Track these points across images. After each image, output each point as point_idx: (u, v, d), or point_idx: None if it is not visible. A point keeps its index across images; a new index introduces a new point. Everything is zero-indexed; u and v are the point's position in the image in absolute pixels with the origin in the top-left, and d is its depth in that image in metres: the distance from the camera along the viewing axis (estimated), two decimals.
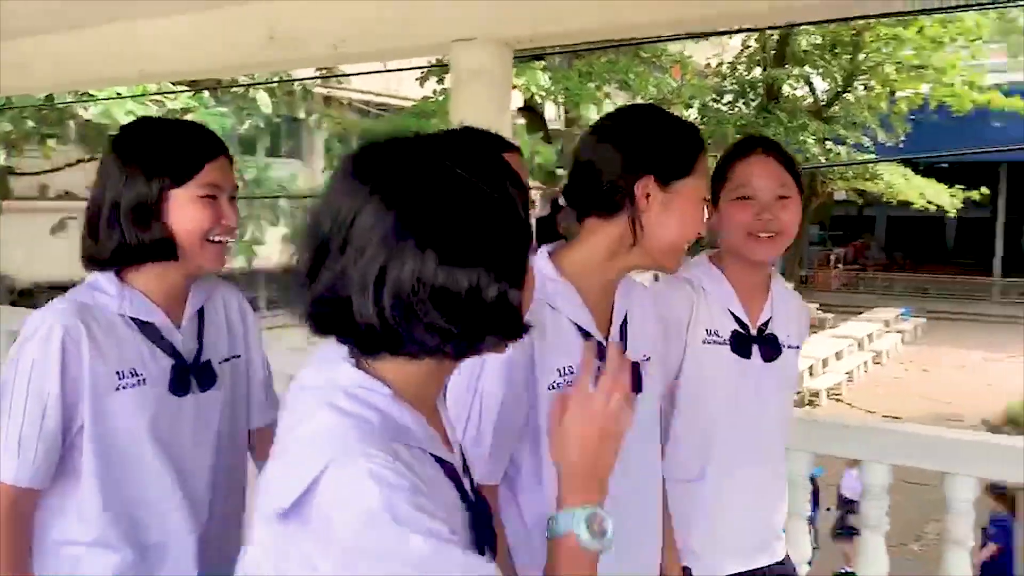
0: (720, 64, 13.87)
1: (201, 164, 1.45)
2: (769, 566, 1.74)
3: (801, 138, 12.36)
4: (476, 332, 0.90)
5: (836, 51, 13.30)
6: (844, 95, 13.72)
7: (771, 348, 1.72)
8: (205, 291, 1.56)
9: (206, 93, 8.58)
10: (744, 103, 13.48)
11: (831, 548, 6.31)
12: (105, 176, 1.45)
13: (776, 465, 1.78)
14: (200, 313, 1.55)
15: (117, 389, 1.41)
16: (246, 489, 1.60)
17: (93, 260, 1.46)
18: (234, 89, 8.71)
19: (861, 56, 13.15)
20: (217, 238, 1.47)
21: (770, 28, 10.24)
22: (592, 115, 10.68)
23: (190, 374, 1.50)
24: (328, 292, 0.88)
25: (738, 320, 1.71)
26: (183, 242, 1.44)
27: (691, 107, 12.02)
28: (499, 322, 0.91)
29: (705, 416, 1.68)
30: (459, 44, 2.13)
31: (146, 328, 1.46)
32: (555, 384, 1.31)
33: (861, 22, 11.08)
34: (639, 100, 11.44)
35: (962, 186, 15.77)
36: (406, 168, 0.90)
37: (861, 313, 17.54)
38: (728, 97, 13.57)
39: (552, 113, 12.73)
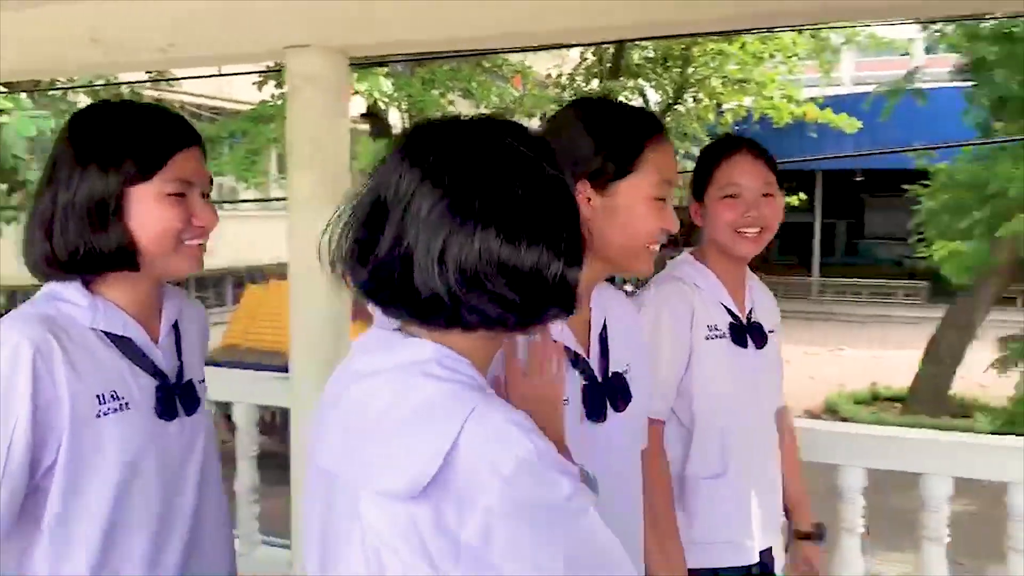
0: (560, 75, 14.22)
1: (169, 155, 1.24)
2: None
3: None
4: (538, 306, 0.91)
5: (668, 64, 13.93)
6: (675, 107, 14.39)
7: (760, 335, 1.81)
8: (178, 302, 1.38)
9: (23, 95, 8.00)
10: None
11: None
12: (56, 169, 1.23)
13: (776, 447, 1.86)
14: (175, 327, 1.36)
15: (98, 416, 1.19)
16: (229, 527, 1.46)
17: (47, 267, 1.23)
18: (52, 92, 8.16)
19: (690, 70, 13.84)
20: (190, 241, 1.28)
21: (603, 43, 10.60)
22: None
23: (176, 396, 1.30)
24: (388, 261, 0.89)
25: (731, 312, 1.77)
26: (148, 247, 1.23)
27: (533, 116, 12.25)
28: (559, 297, 0.92)
29: (721, 411, 1.72)
30: (292, 51, 2.10)
31: (123, 344, 1.26)
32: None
33: (689, 39, 11.68)
34: (483, 109, 11.56)
35: (783, 192, 16.82)
36: (466, 145, 0.91)
37: None
38: None
39: (397, 119, 12.66)
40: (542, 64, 13.88)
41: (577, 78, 14.24)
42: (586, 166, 1.30)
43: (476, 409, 0.85)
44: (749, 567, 1.74)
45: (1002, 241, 9.45)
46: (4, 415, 1.12)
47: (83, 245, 1.21)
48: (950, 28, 9.54)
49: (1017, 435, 2.51)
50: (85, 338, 1.22)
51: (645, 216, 1.31)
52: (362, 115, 11.75)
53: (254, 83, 10.98)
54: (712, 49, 13.26)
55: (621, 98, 14.19)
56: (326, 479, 0.96)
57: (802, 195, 17.87)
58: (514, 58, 12.50)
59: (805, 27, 10.63)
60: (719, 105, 14.45)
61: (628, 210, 1.31)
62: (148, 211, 1.23)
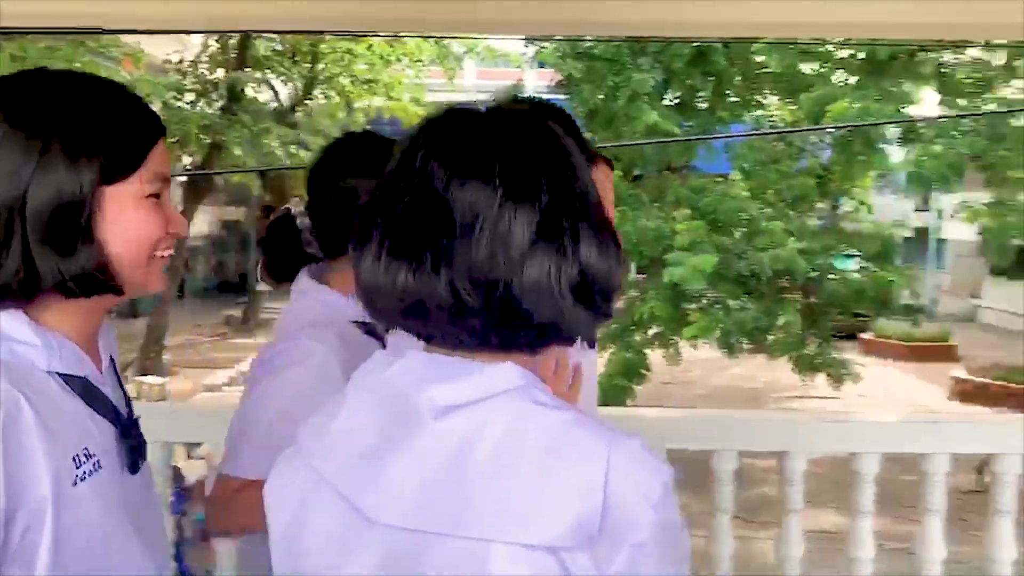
0: (181, 61, 13.41)
1: (150, 144, 1.01)
2: None
3: (265, 141, 12.57)
4: (608, 315, 0.86)
5: (296, 59, 13.79)
6: (307, 102, 14.28)
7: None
8: (105, 328, 1.11)
9: None
10: (207, 103, 13.23)
11: None
12: None
13: None
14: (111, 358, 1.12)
15: (75, 483, 0.95)
16: None
17: None
18: None
19: (320, 66, 13.83)
20: (162, 252, 1.05)
21: (229, 31, 10.21)
22: None
23: (137, 441, 1.08)
24: (482, 285, 0.78)
25: None
26: (124, 261, 1.00)
27: (149, 103, 11.44)
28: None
29: None
30: None
31: (80, 387, 1.01)
32: None
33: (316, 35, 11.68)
34: None
35: None
36: (530, 147, 0.82)
37: None
38: (191, 96, 13.21)
39: None
40: (161, 49, 12.97)
41: (200, 66, 13.53)
42: None
43: (612, 436, 0.80)
44: None
45: None
46: None
47: (45, 265, 0.94)
48: (551, 45, 10.60)
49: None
50: (46, 386, 0.97)
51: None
52: None
53: None
54: (341, 48, 13.36)
55: (248, 89, 13.79)
56: (389, 538, 0.81)
57: None
58: (129, 40, 11.54)
59: (432, 35, 11.18)
60: (349, 103, 14.62)
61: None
62: (125, 217, 0.99)
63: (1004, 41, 9.78)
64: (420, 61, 14.21)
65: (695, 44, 10.18)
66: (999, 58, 10.83)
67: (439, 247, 0.79)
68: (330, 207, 1.56)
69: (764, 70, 11.04)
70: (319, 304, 1.57)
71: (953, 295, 25.28)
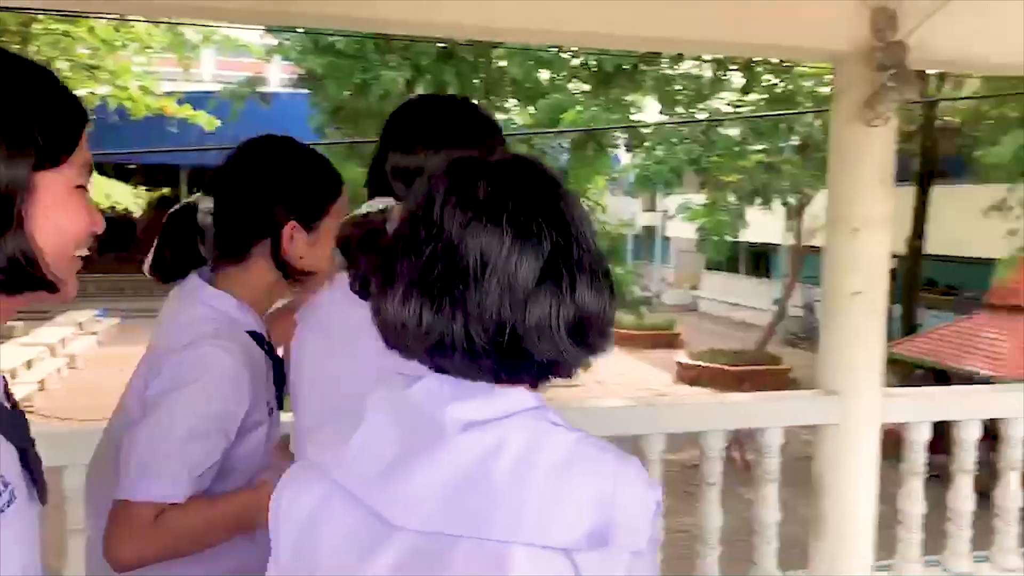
0: None
1: (80, 130, 0.92)
2: None
3: None
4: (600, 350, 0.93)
5: (3, 39, 12.38)
6: None
7: None
8: None
9: None
10: None
11: None
12: None
13: None
14: None
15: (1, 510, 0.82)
16: None
17: None
18: None
19: (32, 48, 12.51)
20: (81, 252, 0.95)
21: None
22: None
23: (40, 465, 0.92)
24: (486, 325, 0.85)
25: None
26: (48, 257, 0.89)
27: None
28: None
29: None
30: None
31: None
32: None
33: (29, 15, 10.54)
34: None
35: (147, 187, 16.42)
36: (538, 193, 0.90)
37: (53, 318, 16.81)
38: None
39: None
40: None
41: None
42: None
43: (618, 457, 0.89)
44: None
45: None
46: None
47: None
48: (293, 38, 10.34)
49: None
50: None
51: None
52: None
53: None
54: (57, 29, 12.18)
55: None
56: (410, 541, 0.86)
57: (167, 189, 17.74)
58: None
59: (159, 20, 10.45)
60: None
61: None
62: (57, 207, 0.90)
63: (714, 57, 10.85)
64: (151, 48, 13.28)
65: (441, 44, 10.36)
66: (708, 72, 12.01)
67: (454, 293, 0.86)
68: (236, 209, 1.49)
69: (506, 75, 11.46)
70: (219, 312, 1.48)
71: (677, 287, 27.76)
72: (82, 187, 0.94)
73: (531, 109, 12.17)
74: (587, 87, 11.78)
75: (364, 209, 1.33)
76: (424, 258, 0.87)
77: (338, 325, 1.36)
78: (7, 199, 0.86)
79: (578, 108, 10.32)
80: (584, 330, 0.89)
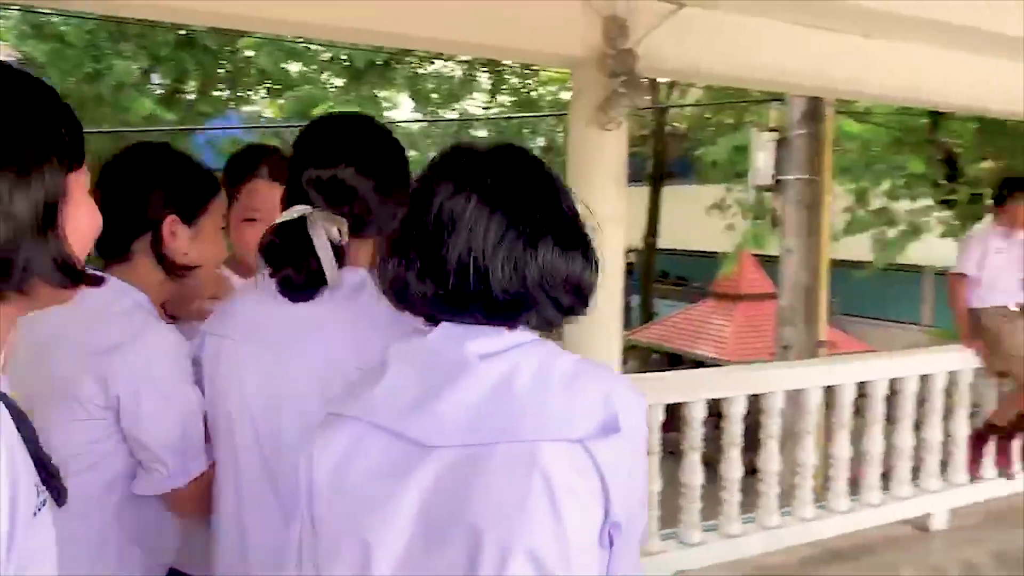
0: None
1: (82, 132, 0.91)
2: None
3: None
4: (580, 308, 1.08)
5: None
6: None
7: None
8: None
9: None
10: None
11: None
12: None
13: None
14: None
15: (35, 513, 0.81)
16: None
17: None
18: None
19: None
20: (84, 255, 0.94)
21: None
22: None
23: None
24: (462, 274, 1.02)
25: None
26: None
27: None
28: (588, 301, 1.09)
29: None
30: None
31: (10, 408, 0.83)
32: None
33: None
34: None
35: None
36: (514, 170, 1.07)
37: None
38: None
39: None
40: None
41: None
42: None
43: (611, 371, 1.11)
44: None
45: None
46: None
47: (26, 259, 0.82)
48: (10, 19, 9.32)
49: None
50: None
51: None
52: None
53: None
54: None
55: None
56: (446, 457, 0.99)
57: None
58: None
59: None
60: None
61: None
62: (79, 208, 0.89)
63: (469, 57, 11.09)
64: None
65: (181, 31, 9.78)
66: (459, 72, 12.27)
67: (440, 252, 1.03)
68: (114, 207, 1.48)
69: (252, 66, 11.04)
70: (134, 299, 1.55)
71: None
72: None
73: (280, 101, 11.82)
74: (340, 81, 11.62)
75: (283, 217, 1.40)
76: (424, 227, 1.04)
77: (274, 326, 1.42)
78: (53, 207, 0.86)
79: (329, 102, 10.16)
80: (550, 283, 1.04)
